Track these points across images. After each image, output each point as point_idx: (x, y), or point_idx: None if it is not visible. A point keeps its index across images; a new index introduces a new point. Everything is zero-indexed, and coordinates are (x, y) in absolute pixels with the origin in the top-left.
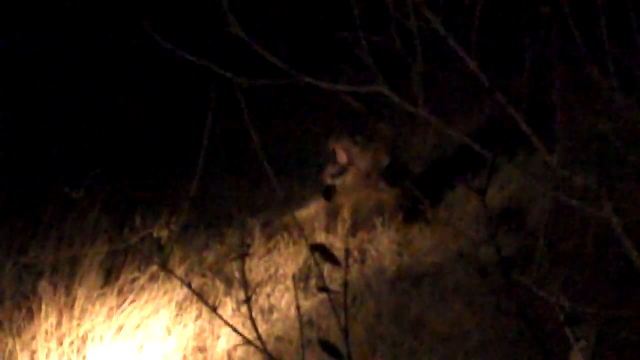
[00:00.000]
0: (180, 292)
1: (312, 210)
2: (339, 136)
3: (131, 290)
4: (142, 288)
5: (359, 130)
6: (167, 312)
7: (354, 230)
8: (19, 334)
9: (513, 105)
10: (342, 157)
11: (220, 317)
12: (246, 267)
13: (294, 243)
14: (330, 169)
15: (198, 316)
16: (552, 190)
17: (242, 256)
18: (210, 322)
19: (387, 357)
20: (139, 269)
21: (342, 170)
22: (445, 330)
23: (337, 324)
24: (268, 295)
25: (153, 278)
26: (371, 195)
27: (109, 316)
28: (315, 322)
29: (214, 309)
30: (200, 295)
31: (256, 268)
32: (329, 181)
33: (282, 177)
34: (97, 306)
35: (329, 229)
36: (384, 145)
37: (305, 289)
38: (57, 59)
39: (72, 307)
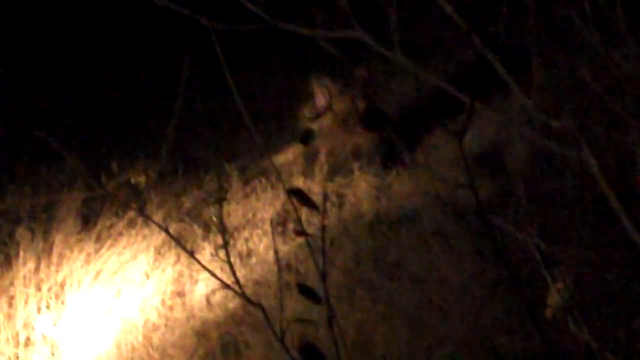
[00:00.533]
0: (159, 237)
1: (289, 155)
2: (319, 76)
3: (109, 236)
4: (120, 234)
5: (337, 75)
6: (145, 258)
7: (331, 174)
8: None
9: (490, 49)
10: (320, 100)
11: (198, 262)
12: (224, 212)
13: (272, 187)
14: (308, 112)
15: (176, 261)
16: (529, 134)
17: (220, 201)
18: (188, 267)
19: (365, 300)
20: (117, 215)
21: (320, 113)
22: (424, 273)
23: (315, 268)
24: (246, 240)
25: (131, 224)
26: (349, 139)
27: (87, 262)
28: (294, 266)
29: (191, 254)
30: (178, 241)
31: (234, 213)
32: (307, 123)
33: (259, 122)
34: (75, 252)
35: (306, 174)
36: (362, 90)
37: (283, 233)
38: (30, 10)
39: (50, 253)
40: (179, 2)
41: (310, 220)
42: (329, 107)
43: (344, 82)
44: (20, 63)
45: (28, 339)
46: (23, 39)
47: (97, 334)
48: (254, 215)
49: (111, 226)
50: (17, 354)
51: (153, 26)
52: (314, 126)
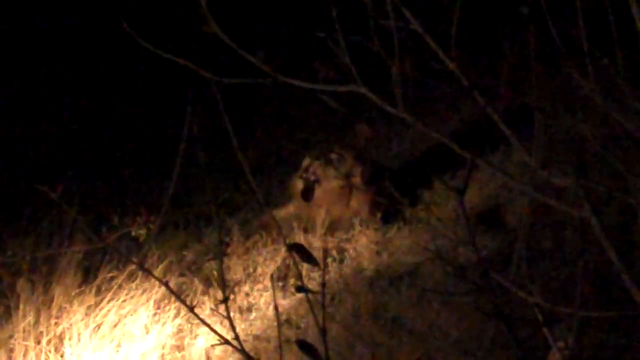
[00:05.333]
0: (159, 290)
1: (290, 210)
2: (311, 150)
3: (109, 289)
4: (120, 287)
5: (335, 139)
6: (145, 311)
7: (332, 229)
8: None
9: (492, 105)
10: (311, 175)
11: (198, 317)
12: (225, 266)
13: (273, 242)
14: (301, 182)
15: (176, 315)
16: (530, 191)
17: (221, 255)
18: (188, 321)
19: (365, 356)
20: (117, 268)
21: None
22: (424, 329)
23: (315, 323)
24: (247, 295)
25: (131, 277)
26: (350, 194)
27: (87, 315)
28: (294, 321)
29: (191, 309)
30: (177, 296)
31: (235, 267)
32: (307, 178)
33: (261, 177)
34: (75, 305)
35: (307, 229)
36: (363, 145)
37: (284, 288)
38: (32, 58)
39: (50, 305)
40: (182, 55)
41: (310, 275)
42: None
43: (345, 137)
44: (21, 116)
45: None
46: (24, 92)
47: None
48: (254, 269)
49: (112, 279)
50: None
51: (156, 79)
52: (315, 181)
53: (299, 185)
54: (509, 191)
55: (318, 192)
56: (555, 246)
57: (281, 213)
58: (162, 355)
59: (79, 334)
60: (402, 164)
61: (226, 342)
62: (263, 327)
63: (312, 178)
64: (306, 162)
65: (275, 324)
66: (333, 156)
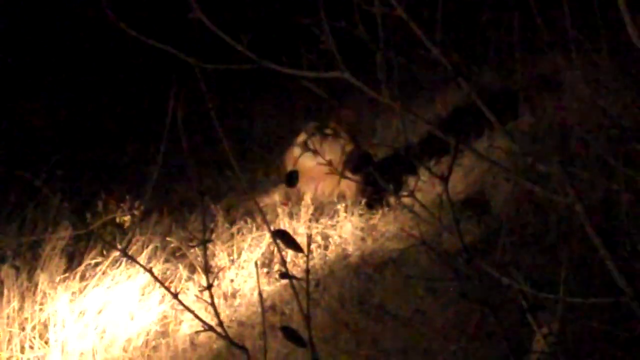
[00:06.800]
0: (143, 276)
1: (275, 196)
2: (306, 121)
3: (94, 275)
4: (105, 273)
5: (324, 122)
6: (129, 297)
7: (317, 216)
8: None
9: (477, 92)
10: (305, 145)
11: (182, 303)
12: (209, 252)
13: (258, 228)
14: (294, 155)
15: (161, 301)
16: (515, 177)
17: (205, 242)
18: (173, 307)
19: (349, 342)
20: (102, 254)
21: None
22: (408, 315)
23: (300, 309)
24: (231, 281)
25: (116, 263)
26: (334, 181)
27: (72, 301)
28: (278, 307)
29: (175, 296)
30: (162, 282)
31: (219, 253)
32: (292, 165)
33: (245, 163)
34: (60, 291)
35: (292, 215)
36: (347, 131)
37: (269, 274)
38: (15, 45)
39: (34, 291)
40: (166, 41)
41: (295, 261)
42: (314, 152)
43: (329, 124)
44: (7, 105)
45: None
46: (10, 81)
47: None
48: (239, 256)
49: (96, 265)
50: None
51: (139, 66)
52: (300, 168)
53: (296, 152)
54: (494, 177)
55: (312, 163)
56: (539, 233)
57: (266, 199)
58: (147, 341)
59: (63, 320)
60: (387, 151)
61: (210, 328)
62: (247, 313)
63: (310, 148)
64: (302, 137)
65: (259, 310)
66: (329, 132)
